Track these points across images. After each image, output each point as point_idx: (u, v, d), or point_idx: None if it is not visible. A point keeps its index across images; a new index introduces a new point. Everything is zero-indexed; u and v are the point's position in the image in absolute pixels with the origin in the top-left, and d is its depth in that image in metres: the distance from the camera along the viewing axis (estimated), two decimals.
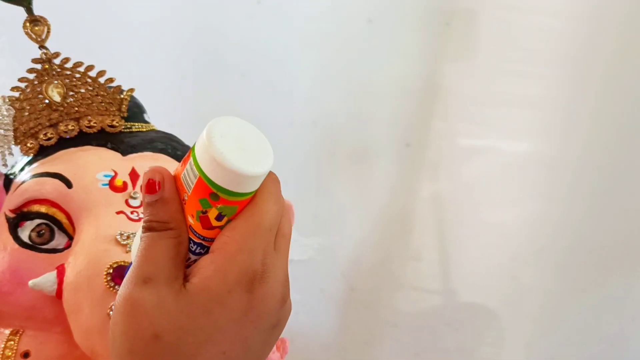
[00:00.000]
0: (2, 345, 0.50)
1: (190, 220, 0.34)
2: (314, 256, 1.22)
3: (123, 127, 0.60)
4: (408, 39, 1.13)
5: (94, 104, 0.58)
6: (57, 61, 0.57)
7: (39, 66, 0.56)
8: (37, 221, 0.53)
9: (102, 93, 0.59)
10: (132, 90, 0.61)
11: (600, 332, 1.24)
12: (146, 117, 0.64)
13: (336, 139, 1.19)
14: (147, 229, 0.34)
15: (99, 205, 0.52)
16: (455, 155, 1.16)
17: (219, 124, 0.33)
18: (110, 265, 0.48)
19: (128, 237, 0.50)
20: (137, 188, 0.55)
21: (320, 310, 1.28)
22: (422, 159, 1.18)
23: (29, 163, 0.57)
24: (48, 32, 0.56)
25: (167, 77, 1.14)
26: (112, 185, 0.54)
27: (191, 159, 0.33)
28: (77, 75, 0.58)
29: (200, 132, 0.33)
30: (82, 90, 0.58)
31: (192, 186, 0.33)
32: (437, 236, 1.21)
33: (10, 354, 0.50)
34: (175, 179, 0.35)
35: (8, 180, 0.57)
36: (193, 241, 0.35)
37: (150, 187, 0.34)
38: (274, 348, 0.59)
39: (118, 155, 0.57)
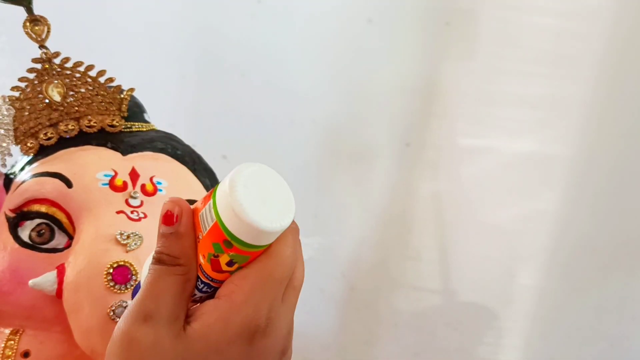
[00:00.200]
0: (2, 345, 0.50)
1: (201, 259, 0.34)
2: (314, 256, 1.22)
3: (123, 126, 0.60)
4: (408, 39, 1.13)
5: (94, 104, 0.58)
6: (57, 61, 0.57)
7: (39, 66, 0.56)
8: (37, 221, 0.52)
9: (102, 93, 0.59)
10: (132, 89, 0.61)
11: (600, 332, 1.23)
12: (146, 116, 0.64)
13: (336, 138, 1.19)
14: (157, 260, 0.34)
15: (99, 204, 0.52)
16: (455, 154, 1.16)
17: (244, 172, 0.32)
18: (111, 265, 0.48)
19: (128, 237, 0.50)
20: (137, 187, 0.55)
21: (320, 310, 1.28)
22: (422, 159, 1.18)
23: (29, 163, 0.57)
24: (48, 31, 0.56)
25: (167, 76, 1.14)
26: (112, 184, 0.54)
27: (211, 201, 0.33)
28: (77, 75, 0.58)
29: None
30: (82, 90, 0.58)
31: (208, 228, 0.33)
32: (437, 236, 1.21)
33: (10, 353, 0.50)
34: (194, 213, 0.34)
35: (8, 180, 0.57)
36: (201, 280, 0.34)
37: (168, 219, 0.34)
38: None
39: (118, 154, 0.57)
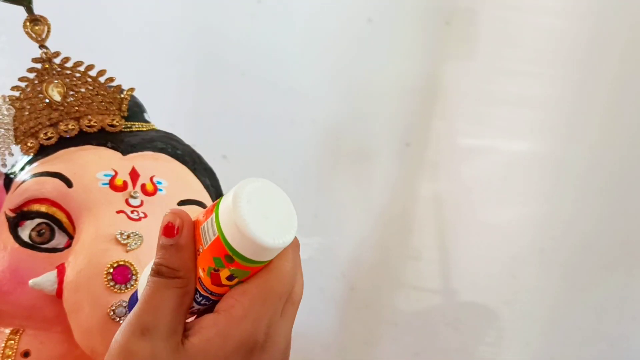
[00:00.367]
0: (3, 345, 0.50)
1: (201, 273, 0.34)
2: (314, 256, 1.22)
3: (123, 126, 0.60)
4: (408, 39, 1.13)
5: (94, 104, 0.58)
6: (57, 60, 0.57)
7: (39, 65, 0.56)
8: (37, 220, 0.52)
9: (102, 92, 0.59)
10: (132, 89, 0.61)
11: (600, 331, 1.23)
12: (146, 116, 0.64)
13: (336, 138, 1.19)
14: (156, 272, 0.34)
15: (99, 204, 0.52)
16: (455, 154, 1.16)
17: (247, 188, 0.32)
18: (111, 265, 0.48)
19: (128, 237, 0.50)
20: (137, 187, 0.55)
21: (320, 310, 1.28)
22: (422, 159, 1.18)
23: (29, 162, 0.57)
24: (48, 31, 0.56)
25: (167, 76, 1.14)
26: (112, 184, 0.54)
27: (213, 215, 0.33)
28: (77, 75, 0.58)
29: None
30: (82, 90, 0.58)
31: (209, 242, 0.33)
32: (437, 236, 1.21)
33: (10, 353, 0.50)
34: (195, 225, 0.34)
35: (8, 180, 0.57)
36: (199, 292, 0.34)
37: (169, 230, 0.34)
38: None
39: (118, 154, 0.57)
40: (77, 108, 0.58)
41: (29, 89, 0.56)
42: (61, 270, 0.50)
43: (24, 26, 0.56)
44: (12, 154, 0.57)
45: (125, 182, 0.55)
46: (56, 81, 0.57)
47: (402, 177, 1.20)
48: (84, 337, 0.48)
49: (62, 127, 0.57)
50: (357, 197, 1.22)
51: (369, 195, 1.22)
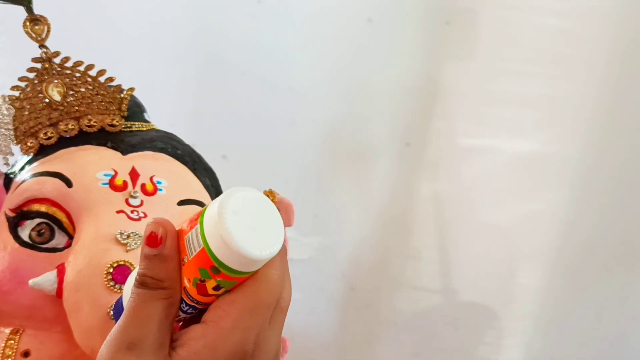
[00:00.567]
0: (3, 345, 0.50)
1: (186, 283, 0.33)
2: (313, 255, 1.22)
3: (123, 126, 0.60)
4: (408, 39, 1.13)
5: (94, 103, 0.58)
6: (57, 60, 0.57)
7: (39, 65, 0.56)
8: (37, 220, 0.52)
9: (102, 92, 0.59)
10: (132, 89, 0.61)
11: (600, 331, 1.24)
12: (146, 116, 0.64)
13: (336, 138, 1.19)
14: (140, 283, 0.33)
15: (99, 204, 0.52)
16: (455, 154, 1.16)
17: (233, 198, 0.32)
18: (111, 265, 0.48)
19: (128, 237, 0.50)
20: (137, 187, 0.55)
21: (320, 309, 1.28)
22: (422, 159, 1.18)
23: (29, 162, 0.57)
24: (48, 31, 0.56)
25: (167, 75, 1.14)
26: (112, 184, 0.54)
27: (198, 225, 0.32)
28: (77, 75, 0.58)
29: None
30: (82, 90, 0.58)
31: (195, 253, 0.32)
32: (437, 235, 1.21)
33: (10, 353, 0.50)
34: (179, 234, 0.34)
35: (8, 180, 0.57)
36: (185, 302, 0.34)
37: (152, 240, 0.33)
38: None
39: (118, 154, 0.57)
40: (77, 108, 0.58)
41: (28, 89, 0.56)
42: (61, 270, 0.50)
43: (24, 26, 0.56)
44: (12, 154, 0.57)
45: (125, 182, 0.55)
46: (56, 81, 0.57)
47: (402, 177, 1.20)
48: (84, 337, 0.48)
49: (62, 126, 0.57)
50: (357, 197, 1.22)
51: (369, 195, 1.22)
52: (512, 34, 1.09)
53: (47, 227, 0.52)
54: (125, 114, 0.60)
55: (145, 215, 0.53)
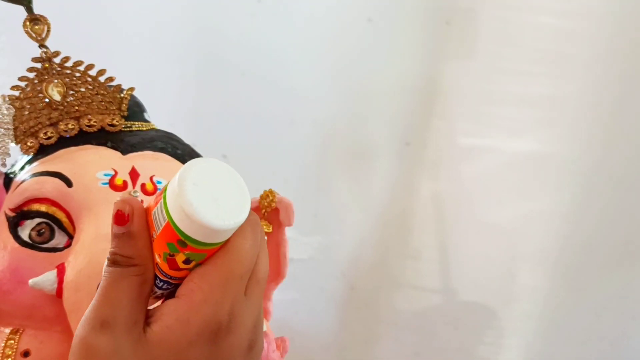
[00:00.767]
0: (2, 344, 0.50)
1: (158, 259, 0.33)
2: (313, 255, 1.22)
3: (123, 126, 0.60)
4: (408, 39, 1.13)
5: (94, 103, 0.58)
6: (57, 60, 0.57)
7: (39, 65, 0.56)
8: (37, 220, 0.52)
9: (102, 92, 0.59)
10: (132, 89, 0.61)
11: (600, 331, 1.24)
12: (146, 116, 0.64)
13: (336, 138, 1.19)
14: (112, 262, 0.33)
15: (99, 204, 0.52)
16: (455, 154, 1.16)
17: (193, 170, 0.31)
18: None
19: None
20: (137, 187, 0.55)
21: (320, 309, 1.28)
22: (422, 158, 1.18)
23: (29, 162, 0.57)
24: (48, 31, 0.56)
25: (167, 75, 1.14)
26: (112, 184, 0.54)
27: (162, 200, 0.32)
28: (77, 74, 0.58)
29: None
30: (82, 89, 0.58)
31: (161, 228, 0.32)
32: (437, 235, 1.21)
33: (10, 352, 0.50)
34: (147, 212, 0.34)
35: (8, 179, 0.57)
36: (159, 278, 0.34)
37: (119, 218, 0.33)
38: (274, 347, 0.59)
39: (118, 154, 0.57)
40: (77, 107, 0.58)
41: (28, 89, 0.56)
42: (61, 269, 0.50)
43: (24, 26, 0.56)
44: (10, 155, 0.57)
45: (125, 182, 0.55)
46: (56, 81, 0.57)
47: (402, 176, 1.20)
48: None
49: (62, 126, 0.57)
50: (357, 197, 1.22)
51: (369, 195, 1.22)
52: (512, 34, 1.09)
53: (47, 226, 0.52)
54: (125, 113, 0.60)
55: None
